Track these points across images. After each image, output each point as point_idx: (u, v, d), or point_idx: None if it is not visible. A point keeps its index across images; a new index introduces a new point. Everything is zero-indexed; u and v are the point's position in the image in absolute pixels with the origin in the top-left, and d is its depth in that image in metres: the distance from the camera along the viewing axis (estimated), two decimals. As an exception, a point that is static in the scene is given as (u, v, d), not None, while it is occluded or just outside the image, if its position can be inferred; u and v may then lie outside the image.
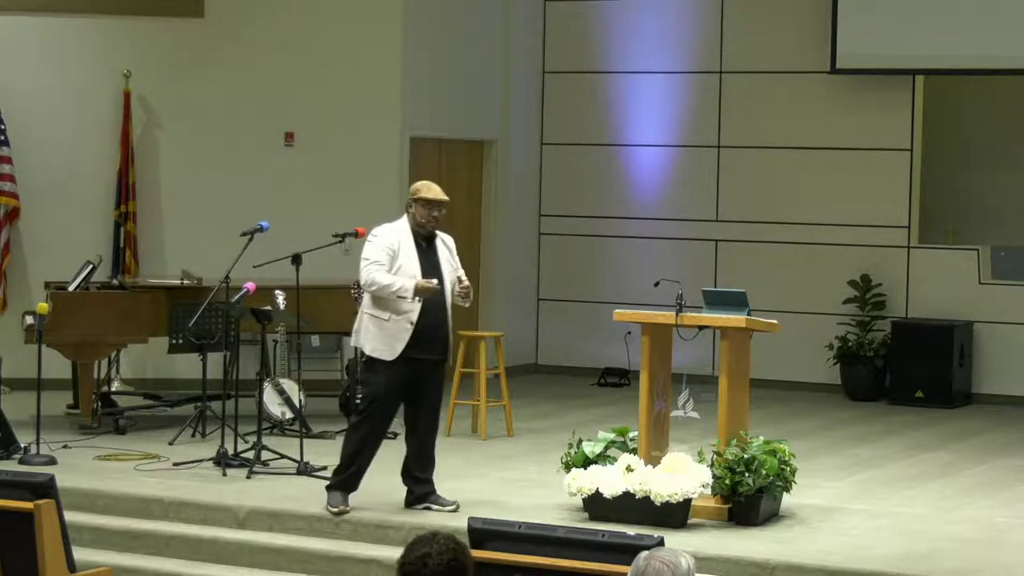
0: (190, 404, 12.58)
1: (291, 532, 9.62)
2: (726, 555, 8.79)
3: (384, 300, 9.42)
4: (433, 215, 9.46)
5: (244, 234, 11.08)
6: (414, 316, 9.37)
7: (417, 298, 9.33)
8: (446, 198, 9.56)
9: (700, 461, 9.51)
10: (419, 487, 9.67)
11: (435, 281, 9.34)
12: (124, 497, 10.12)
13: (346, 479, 9.61)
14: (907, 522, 9.71)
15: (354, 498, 9.65)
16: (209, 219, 14.47)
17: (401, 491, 9.71)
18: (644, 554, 4.91)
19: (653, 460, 9.54)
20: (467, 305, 9.64)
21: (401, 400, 9.56)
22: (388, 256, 9.43)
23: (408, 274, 9.38)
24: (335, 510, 9.53)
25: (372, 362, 9.52)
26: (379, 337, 9.46)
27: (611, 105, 16.32)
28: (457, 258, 9.70)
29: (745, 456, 9.40)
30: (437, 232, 9.60)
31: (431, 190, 9.50)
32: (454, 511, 9.46)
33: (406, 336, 9.37)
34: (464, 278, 9.54)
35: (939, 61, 15.04)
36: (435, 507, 9.59)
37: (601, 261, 16.31)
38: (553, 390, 15.27)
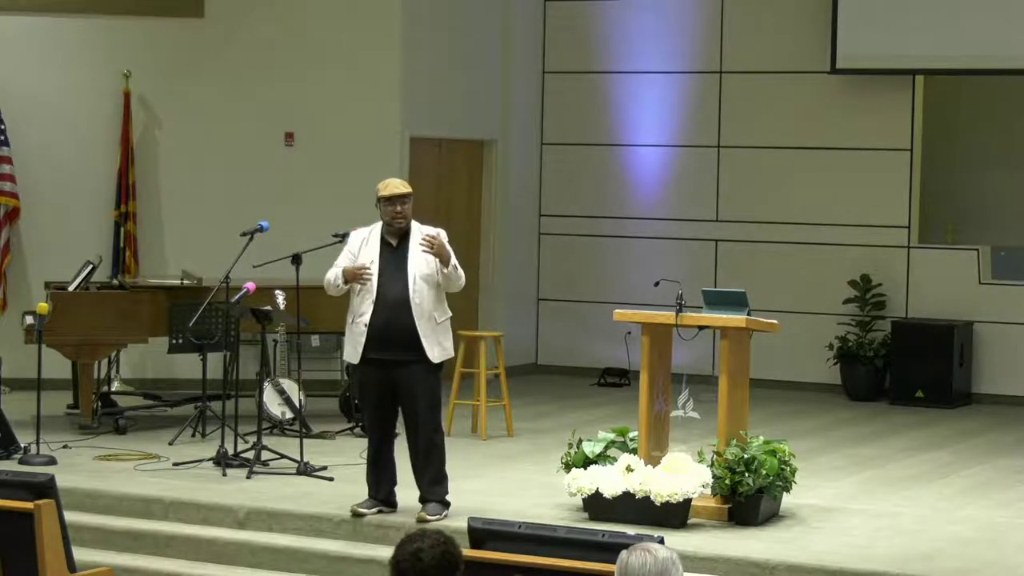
0: (190, 404, 12.58)
1: (291, 532, 9.62)
2: (726, 555, 8.78)
3: (349, 304, 9.50)
4: (397, 210, 9.39)
5: (244, 234, 11.08)
6: (368, 317, 9.36)
7: (356, 285, 9.34)
8: (405, 191, 9.45)
9: (700, 461, 9.50)
10: (420, 488, 9.61)
11: (368, 267, 9.31)
12: (124, 497, 10.12)
13: (370, 484, 9.62)
14: (907, 522, 9.71)
15: (353, 499, 9.64)
16: (209, 219, 14.47)
17: (402, 494, 9.70)
18: (625, 550, 4.98)
19: (653, 460, 9.53)
20: (432, 253, 9.30)
21: (387, 401, 9.49)
22: (350, 260, 9.51)
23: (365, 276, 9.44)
24: (358, 511, 9.52)
25: (351, 365, 9.61)
26: (347, 340, 9.56)
27: (611, 105, 16.32)
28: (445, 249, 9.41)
29: (745, 456, 9.40)
30: (419, 228, 9.47)
31: (388, 187, 9.46)
32: (419, 522, 9.23)
33: (362, 338, 9.37)
34: (436, 238, 9.32)
35: (939, 61, 15.04)
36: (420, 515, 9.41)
37: (601, 261, 16.31)
38: (553, 390, 15.27)
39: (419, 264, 9.41)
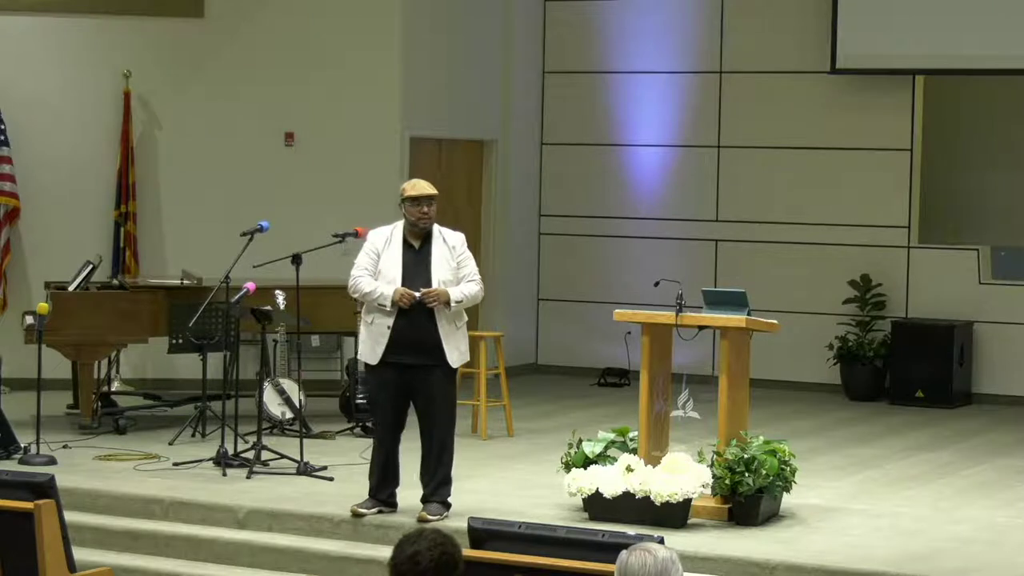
0: (190, 404, 12.58)
1: (291, 532, 9.62)
2: (726, 555, 8.78)
3: (368, 304, 9.46)
4: (423, 211, 9.39)
5: (244, 234, 11.08)
6: (391, 320, 9.32)
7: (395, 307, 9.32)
8: (432, 192, 9.47)
9: (700, 461, 9.51)
10: (425, 488, 9.60)
11: (417, 293, 9.25)
12: (124, 497, 10.12)
13: (372, 484, 9.60)
14: (907, 522, 9.72)
15: (353, 499, 9.64)
16: (209, 219, 14.47)
17: (401, 494, 9.69)
18: (624, 551, 4.98)
19: (653, 460, 9.53)
20: (432, 305, 9.30)
21: (400, 404, 9.49)
22: (372, 260, 9.46)
23: (387, 277, 9.36)
24: (358, 511, 9.51)
25: (366, 366, 9.56)
26: (365, 341, 9.52)
27: (611, 105, 16.32)
28: (464, 255, 9.51)
29: (745, 456, 9.40)
30: (440, 230, 9.54)
31: (415, 187, 9.47)
32: (419, 522, 9.24)
33: (384, 340, 9.33)
34: (432, 289, 9.28)
35: (939, 61, 15.03)
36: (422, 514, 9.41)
37: (601, 261, 16.30)
38: (553, 390, 15.27)
39: (442, 268, 9.41)
